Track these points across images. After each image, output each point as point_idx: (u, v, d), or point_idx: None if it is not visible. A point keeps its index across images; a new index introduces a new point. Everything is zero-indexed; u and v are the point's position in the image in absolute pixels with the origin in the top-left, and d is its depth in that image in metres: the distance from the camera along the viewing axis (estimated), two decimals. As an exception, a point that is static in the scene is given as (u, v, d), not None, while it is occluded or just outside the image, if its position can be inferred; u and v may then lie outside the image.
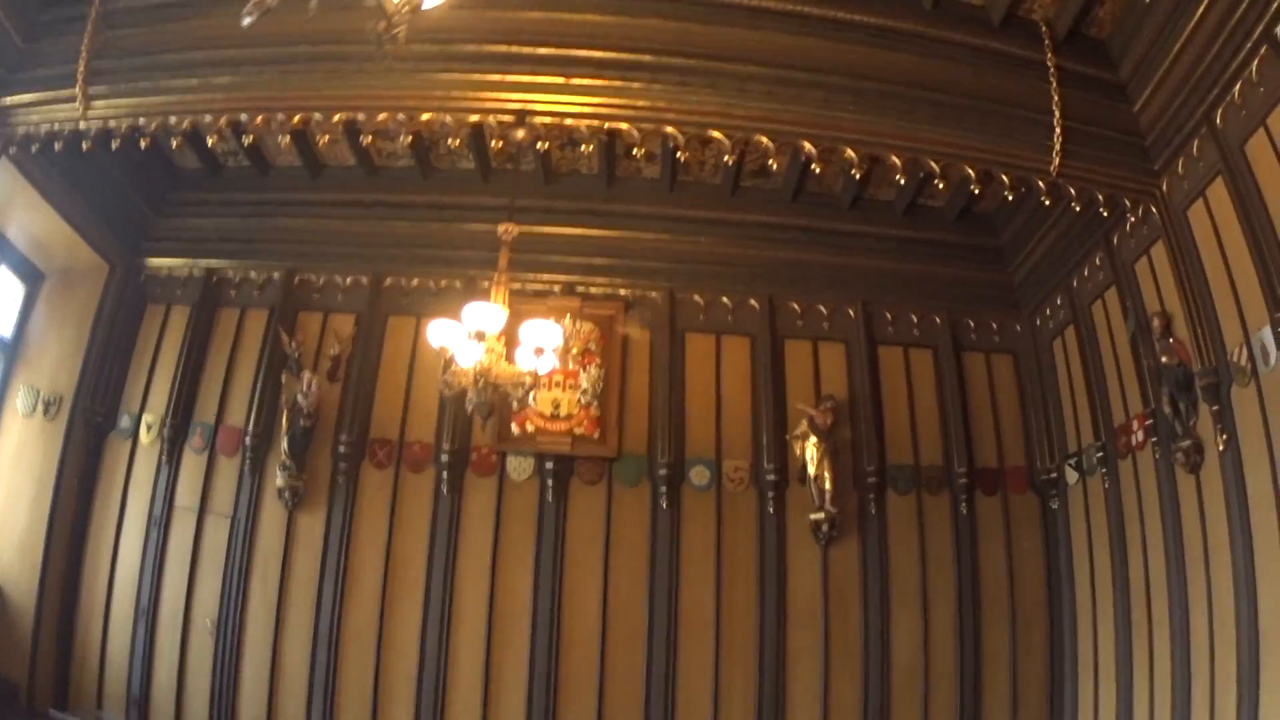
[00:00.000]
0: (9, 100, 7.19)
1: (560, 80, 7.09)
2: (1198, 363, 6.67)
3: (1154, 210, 7.18)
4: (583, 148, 7.85)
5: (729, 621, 8.59)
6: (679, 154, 7.40)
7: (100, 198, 8.79)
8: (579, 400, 9.15)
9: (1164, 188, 7.11)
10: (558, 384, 9.14)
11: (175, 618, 8.50)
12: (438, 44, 6.87)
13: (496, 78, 7.10)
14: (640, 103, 7.09)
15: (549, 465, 8.92)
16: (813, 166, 7.36)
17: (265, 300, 9.44)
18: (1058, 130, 7.07)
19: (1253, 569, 5.97)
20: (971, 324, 9.52)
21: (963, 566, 8.70)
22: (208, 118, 7.12)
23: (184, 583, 8.59)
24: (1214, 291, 6.62)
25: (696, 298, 9.48)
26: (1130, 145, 7.26)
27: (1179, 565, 6.85)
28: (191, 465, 8.93)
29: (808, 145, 7.16)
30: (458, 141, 7.69)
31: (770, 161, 7.44)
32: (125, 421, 9.04)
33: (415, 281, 9.45)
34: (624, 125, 7.14)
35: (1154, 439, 7.27)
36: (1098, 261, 8.19)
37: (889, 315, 9.49)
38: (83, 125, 7.11)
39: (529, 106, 7.08)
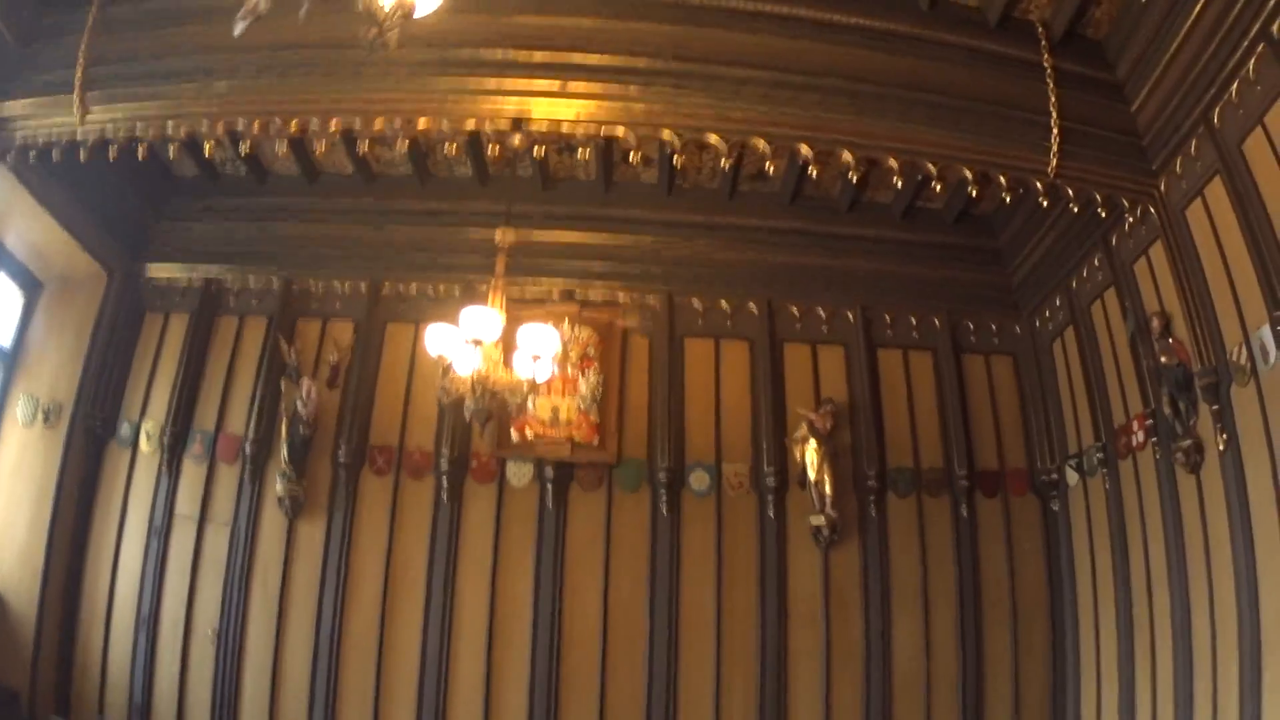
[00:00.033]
0: (6, 107, 7.20)
1: (556, 85, 7.07)
2: (1197, 362, 6.65)
3: (1152, 210, 7.16)
4: (579, 153, 7.85)
5: (730, 626, 8.57)
6: (675, 158, 7.40)
7: (99, 205, 8.79)
8: (578, 406, 9.13)
9: (1162, 188, 7.09)
10: (557, 390, 9.12)
11: (176, 625, 8.48)
12: (434, 50, 6.89)
13: (492, 83, 7.08)
14: (636, 107, 7.08)
15: (549, 471, 8.90)
16: (809, 170, 7.35)
17: (264, 308, 9.43)
18: (1055, 131, 7.05)
19: (1254, 568, 5.94)
20: (971, 326, 9.50)
21: (964, 569, 8.67)
22: (205, 125, 7.10)
23: (185, 590, 8.57)
24: (1213, 291, 6.60)
25: (695, 302, 9.46)
26: (1128, 145, 7.24)
27: (1180, 565, 6.83)
28: (191, 473, 8.91)
29: (804, 148, 7.12)
30: (455, 148, 7.68)
31: (767, 165, 7.41)
32: (125, 430, 9.02)
33: (414, 288, 9.44)
34: (620, 130, 7.12)
35: (1154, 439, 7.25)
36: (1096, 262, 8.17)
37: (888, 318, 9.48)
38: (80, 133, 7.10)
39: (525, 112, 7.07)
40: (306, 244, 9.54)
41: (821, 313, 9.46)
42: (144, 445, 8.97)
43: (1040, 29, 7.23)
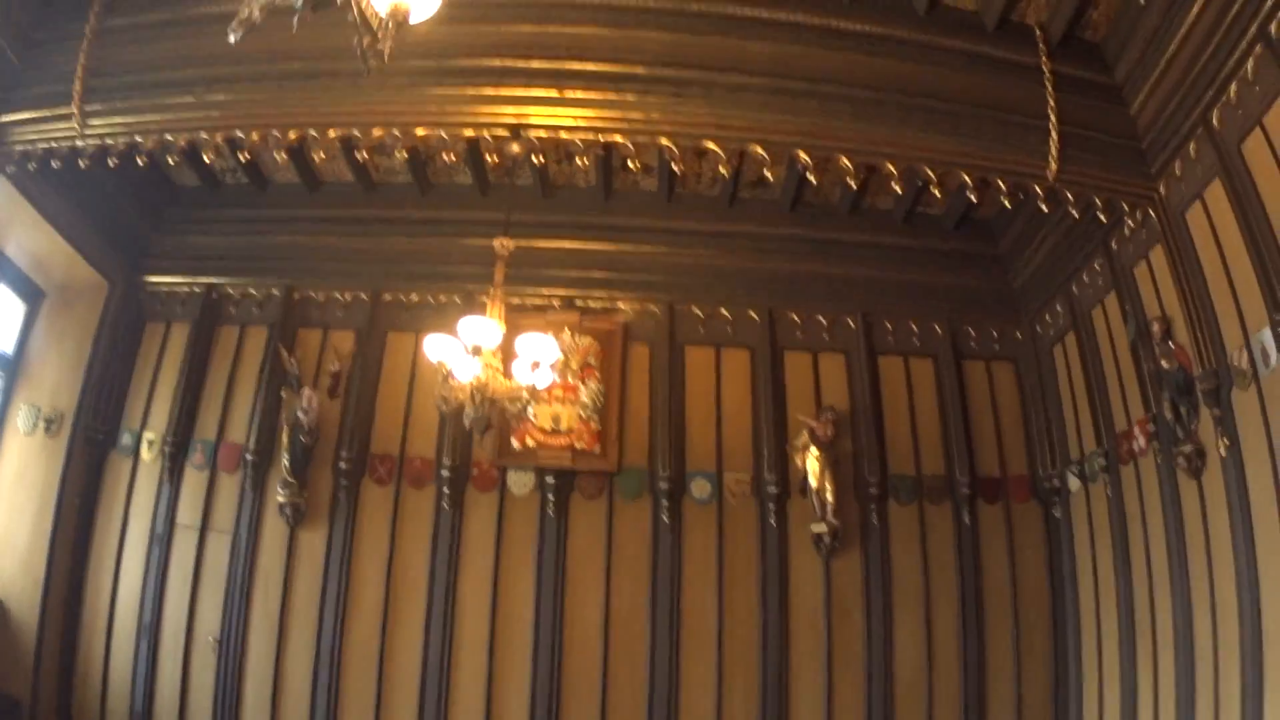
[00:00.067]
0: (6, 118, 7.23)
1: (554, 93, 7.09)
2: (1198, 366, 6.61)
3: (1152, 214, 7.13)
4: (578, 161, 7.85)
5: (731, 634, 8.54)
6: (674, 166, 7.40)
7: (99, 215, 8.83)
8: (579, 414, 9.13)
9: (1162, 191, 7.06)
10: (558, 398, 9.12)
11: (178, 634, 8.49)
12: (431, 59, 6.93)
13: (490, 92, 7.11)
14: (634, 115, 7.09)
15: (550, 480, 8.89)
16: (808, 176, 7.34)
17: (265, 317, 9.45)
18: (1054, 135, 7.04)
19: (1255, 572, 5.90)
20: (972, 332, 9.47)
21: (965, 576, 8.63)
22: (204, 135, 7.14)
23: (186, 599, 8.58)
24: (1213, 294, 6.56)
25: (696, 310, 9.46)
26: (1127, 148, 7.21)
27: (1182, 570, 6.79)
28: (193, 482, 8.92)
29: (803, 155, 7.13)
30: (454, 156, 7.69)
31: (766, 172, 7.41)
32: (126, 439, 9.05)
33: (415, 297, 9.45)
34: (619, 138, 7.13)
35: (1156, 444, 7.21)
36: (1097, 267, 8.13)
37: (889, 325, 9.46)
38: (80, 143, 7.15)
39: (523, 120, 7.09)
40: (307, 253, 9.58)
41: (822, 320, 9.46)
42: (145, 454, 8.99)
43: (1038, 32, 7.21)
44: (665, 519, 8.79)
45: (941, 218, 9.44)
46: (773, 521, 8.78)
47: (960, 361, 9.36)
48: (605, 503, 8.97)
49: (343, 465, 8.85)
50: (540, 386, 6.88)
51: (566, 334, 9.18)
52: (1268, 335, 5.91)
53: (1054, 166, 7.01)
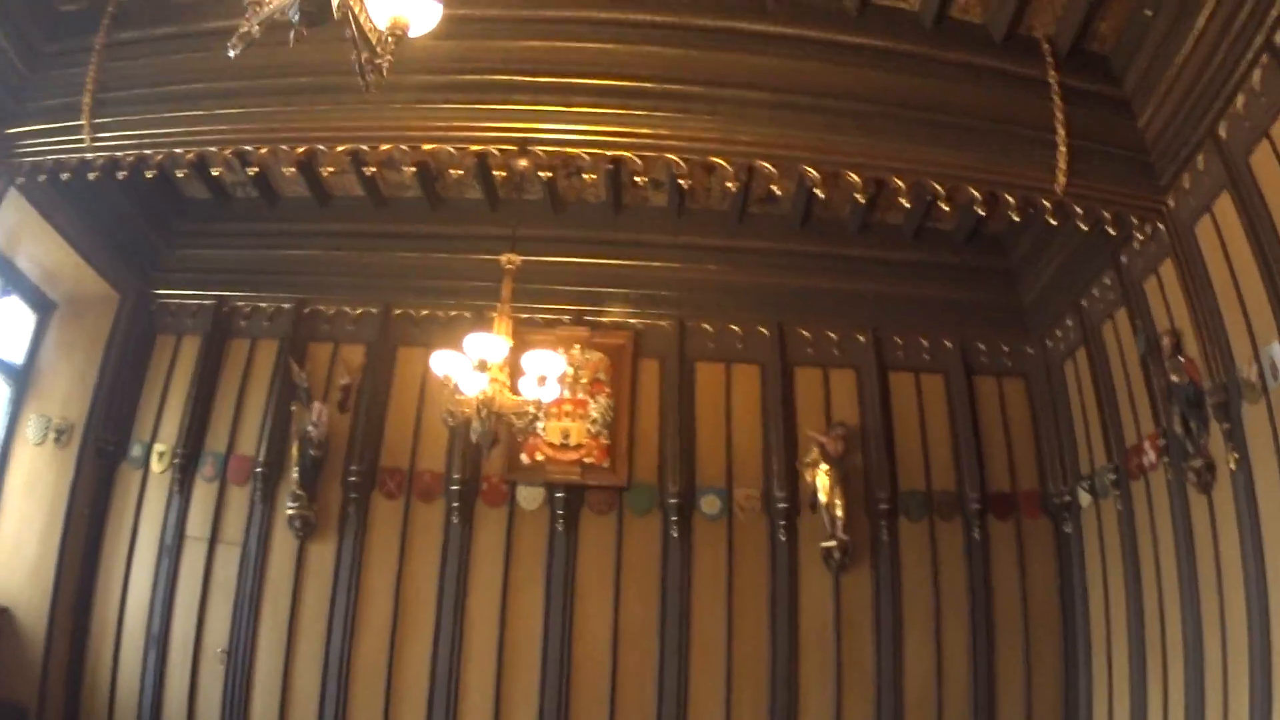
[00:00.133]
0: (16, 131, 7.32)
1: (561, 109, 7.10)
2: (1207, 380, 6.54)
3: (1161, 227, 7.08)
4: (587, 176, 7.86)
5: (741, 649, 8.51)
6: (681, 181, 7.41)
7: (110, 228, 8.92)
8: (588, 430, 9.11)
9: (1171, 203, 7.00)
10: (567, 413, 9.12)
11: (186, 646, 8.53)
12: (439, 74, 6.95)
13: (498, 107, 7.14)
14: (642, 130, 7.10)
15: (559, 495, 8.88)
16: (817, 191, 7.34)
17: (275, 330, 9.49)
18: (1062, 148, 6.97)
19: (1265, 585, 5.82)
20: (982, 347, 9.43)
21: (976, 591, 8.58)
22: (213, 148, 7.21)
23: (195, 610, 8.63)
24: (1223, 307, 6.49)
25: (706, 325, 9.46)
26: (1136, 161, 7.15)
27: (1192, 586, 6.72)
28: (202, 494, 8.98)
29: (810, 170, 7.13)
30: (462, 171, 7.72)
31: (775, 187, 7.40)
32: (136, 450, 9.12)
33: (424, 311, 9.49)
34: (626, 153, 7.16)
35: (1166, 459, 7.14)
36: (1107, 281, 8.08)
37: (899, 340, 9.43)
38: (89, 155, 7.23)
39: (531, 135, 7.11)
40: (318, 267, 9.64)
41: (833, 335, 9.44)
42: (155, 466, 9.05)
43: (1045, 45, 7.17)
44: (675, 534, 8.77)
45: (951, 233, 9.40)
46: (782, 537, 8.75)
47: (971, 377, 9.31)
48: (615, 518, 8.95)
49: (352, 478, 8.88)
50: (546, 401, 6.88)
51: (576, 349, 9.19)
52: (1277, 349, 5.85)
53: (1062, 180, 6.95)
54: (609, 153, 7.18)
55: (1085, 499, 8.42)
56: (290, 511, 8.71)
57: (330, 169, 7.55)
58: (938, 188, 7.17)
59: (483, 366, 6.53)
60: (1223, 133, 6.35)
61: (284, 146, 7.21)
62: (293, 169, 7.85)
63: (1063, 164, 6.97)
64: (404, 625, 8.62)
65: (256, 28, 3.64)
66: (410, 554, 8.82)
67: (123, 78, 7.29)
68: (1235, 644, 6.15)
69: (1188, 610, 6.74)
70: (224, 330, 9.52)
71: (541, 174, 7.80)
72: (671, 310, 9.49)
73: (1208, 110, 6.43)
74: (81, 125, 7.17)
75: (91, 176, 7.36)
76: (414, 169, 7.70)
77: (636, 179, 7.52)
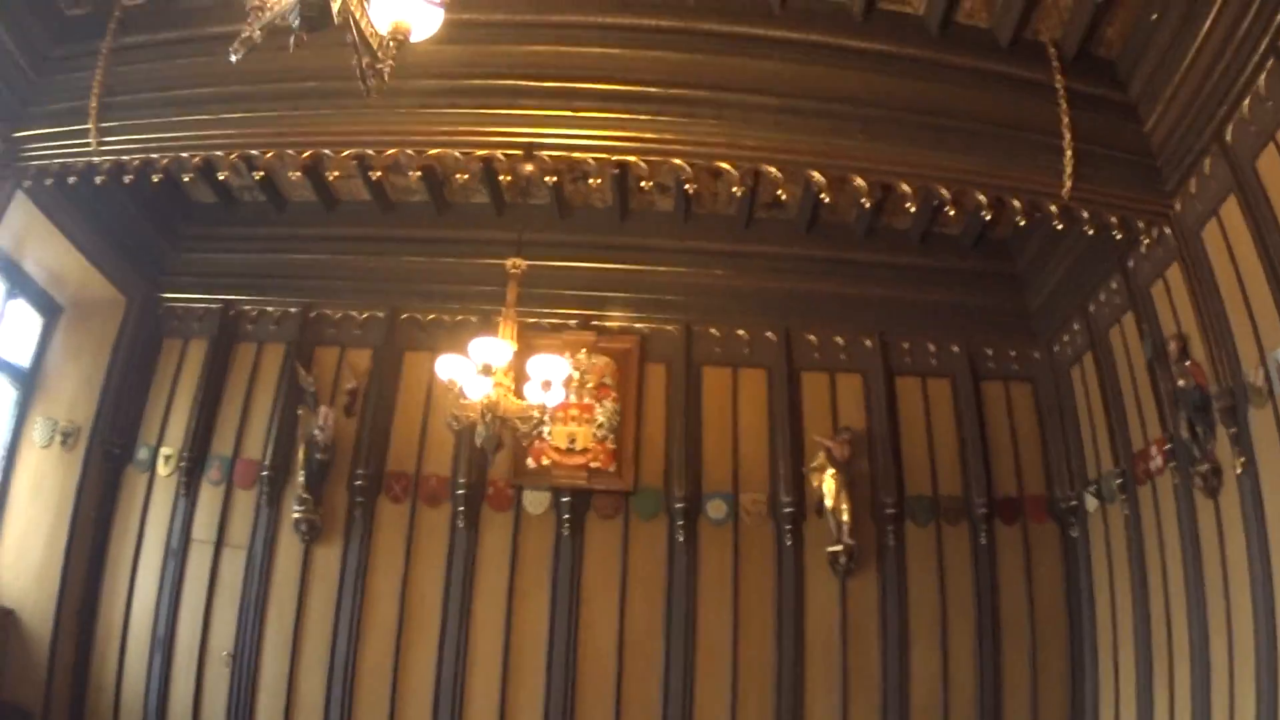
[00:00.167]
0: (23, 135, 7.35)
1: (567, 113, 7.11)
2: (1214, 384, 6.52)
3: (1168, 231, 7.07)
4: (593, 181, 7.86)
5: (746, 654, 8.48)
6: (688, 186, 7.42)
7: (117, 232, 8.94)
8: (595, 434, 9.11)
9: (1177, 208, 6.99)
10: (573, 418, 9.12)
11: (191, 649, 8.53)
12: (444, 78, 6.97)
13: (503, 112, 7.15)
14: (647, 135, 7.11)
15: (565, 499, 8.87)
16: (823, 196, 7.34)
17: (282, 334, 9.51)
18: (1069, 153, 6.98)
19: (1271, 590, 5.80)
20: (989, 352, 9.40)
21: (982, 596, 8.55)
22: (219, 153, 7.23)
23: (200, 614, 8.63)
24: (1230, 312, 6.47)
25: (712, 330, 9.46)
26: (1142, 166, 7.15)
27: (1198, 591, 6.69)
28: (208, 498, 8.98)
29: (816, 175, 7.13)
30: (467, 176, 7.73)
31: (781, 192, 7.40)
32: (143, 453, 9.12)
33: (430, 316, 9.50)
34: (632, 157, 7.16)
35: (1173, 464, 7.12)
36: (1114, 286, 8.06)
37: (906, 345, 9.41)
38: (95, 160, 7.26)
39: (536, 140, 7.12)
40: (324, 271, 9.65)
41: (839, 340, 9.43)
42: (161, 469, 9.06)
43: (1052, 49, 7.18)
44: (681, 539, 8.75)
45: (958, 238, 9.39)
46: (788, 542, 8.72)
47: (978, 382, 9.29)
48: (621, 522, 8.94)
49: (358, 482, 8.88)
50: (551, 406, 6.89)
51: (583, 353, 9.18)
52: (1284, 353, 5.84)
53: (1068, 184, 6.95)
54: (615, 157, 7.17)
55: (1092, 503, 8.40)
56: (296, 515, 8.71)
57: (336, 173, 7.54)
58: (944, 192, 7.18)
59: (488, 371, 6.55)
60: (1229, 137, 6.34)
61: (290, 151, 7.22)
62: (299, 173, 7.88)
63: (1069, 169, 6.97)
64: (409, 629, 8.61)
65: (258, 32, 3.65)
66: (416, 558, 8.81)
67: (128, 82, 7.32)
68: (1241, 648, 6.13)
69: (1194, 615, 6.72)
70: (230, 334, 9.53)
71: (547, 179, 7.82)
72: (678, 315, 9.48)
73: (1214, 115, 6.42)
74: (88, 129, 7.20)
75: (98, 180, 7.39)
76: (420, 173, 7.67)
77: (642, 184, 7.47)
